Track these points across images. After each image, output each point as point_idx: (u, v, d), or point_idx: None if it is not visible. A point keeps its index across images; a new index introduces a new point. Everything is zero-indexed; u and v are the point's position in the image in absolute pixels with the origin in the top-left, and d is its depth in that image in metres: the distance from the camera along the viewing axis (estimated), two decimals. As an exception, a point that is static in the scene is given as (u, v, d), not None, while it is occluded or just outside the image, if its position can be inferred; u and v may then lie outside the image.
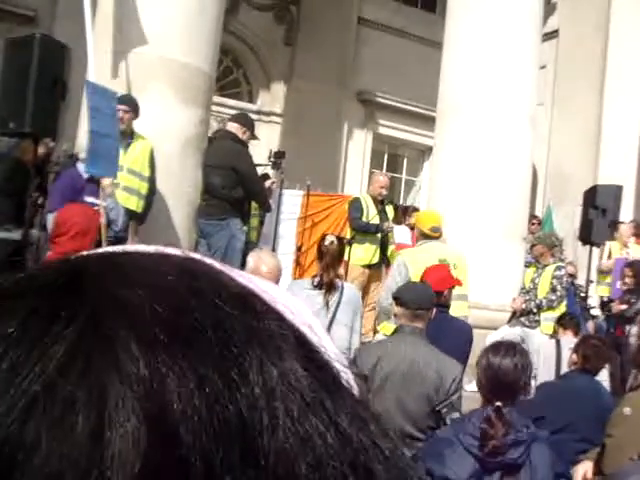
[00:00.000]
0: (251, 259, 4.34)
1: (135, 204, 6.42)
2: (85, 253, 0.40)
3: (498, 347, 3.47)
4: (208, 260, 0.39)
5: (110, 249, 0.40)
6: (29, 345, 0.31)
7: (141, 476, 0.29)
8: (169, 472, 0.30)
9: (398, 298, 4.41)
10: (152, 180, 6.57)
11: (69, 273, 0.36)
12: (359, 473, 0.33)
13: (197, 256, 0.40)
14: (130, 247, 0.40)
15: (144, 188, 6.49)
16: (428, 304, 4.37)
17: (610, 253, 9.90)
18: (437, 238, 6.66)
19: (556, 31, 13.94)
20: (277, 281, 4.14)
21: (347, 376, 0.37)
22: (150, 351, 0.32)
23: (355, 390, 0.37)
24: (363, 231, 8.26)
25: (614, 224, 9.54)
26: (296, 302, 0.40)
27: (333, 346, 0.39)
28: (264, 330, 0.35)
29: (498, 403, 3.23)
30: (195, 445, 0.30)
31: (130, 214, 6.30)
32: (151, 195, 6.59)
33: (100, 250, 0.41)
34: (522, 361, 3.39)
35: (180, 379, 0.31)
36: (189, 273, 0.37)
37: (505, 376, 3.31)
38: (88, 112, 5.67)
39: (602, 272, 9.95)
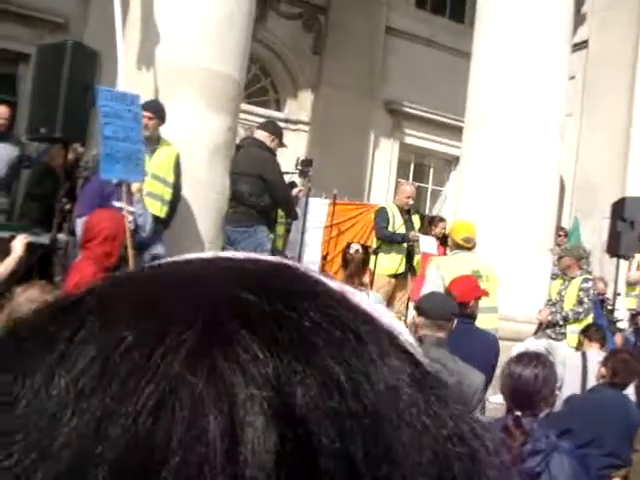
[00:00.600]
0: None
1: (159, 209, 6.44)
2: (183, 258, 0.40)
3: (522, 357, 3.47)
4: (292, 263, 0.40)
5: (202, 255, 0.40)
6: (148, 349, 0.31)
7: (276, 477, 0.29)
8: (302, 472, 0.30)
9: (419, 308, 4.39)
10: (177, 186, 6.58)
11: (176, 278, 0.36)
12: (467, 462, 0.34)
13: (283, 260, 0.40)
14: (220, 253, 0.41)
15: (168, 194, 6.50)
16: (448, 314, 4.35)
17: (639, 265, 9.80)
18: (470, 249, 6.65)
19: (586, 41, 13.85)
20: None
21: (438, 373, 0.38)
22: (272, 351, 0.32)
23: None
24: (389, 241, 8.24)
25: None
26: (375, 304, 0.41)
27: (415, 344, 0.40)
28: (372, 329, 0.36)
29: (518, 413, 3.22)
30: (326, 442, 0.30)
31: (155, 219, 6.33)
32: (175, 201, 6.60)
33: (193, 256, 0.41)
34: (545, 372, 3.37)
35: (305, 378, 0.31)
36: (291, 275, 0.38)
37: (525, 386, 3.29)
38: (100, 118, 5.67)
39: (630, 284, 9.86)
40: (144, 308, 0.34)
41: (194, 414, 0.30)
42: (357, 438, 0.31)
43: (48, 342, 0.33)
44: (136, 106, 5.80)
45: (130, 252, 5.23)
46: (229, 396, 0.30)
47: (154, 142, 6.43)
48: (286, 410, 0.30)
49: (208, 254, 0.40)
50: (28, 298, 3.28)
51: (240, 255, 0.40)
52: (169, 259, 0.41)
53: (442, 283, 6.15)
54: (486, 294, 5.83)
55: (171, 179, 6.52)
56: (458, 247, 6.66)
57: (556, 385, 3.74)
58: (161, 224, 6.51)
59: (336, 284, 0.39)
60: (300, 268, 0.39)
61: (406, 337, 0.39)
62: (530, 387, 3.30)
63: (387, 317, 0.39)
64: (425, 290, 6.15)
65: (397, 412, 0.32)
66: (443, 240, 9.03)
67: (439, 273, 6.36)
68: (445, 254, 7.79)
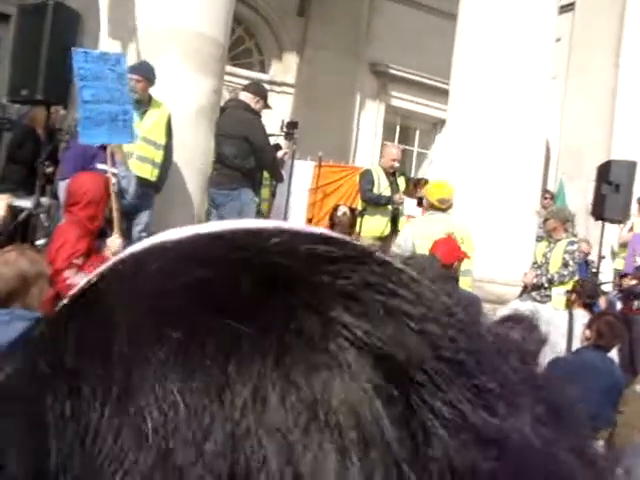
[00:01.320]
0: None
1: (149, 172, 6.37)
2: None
3: (507, 320, 3.47)
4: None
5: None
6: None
7: None
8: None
9: None
10: (169, 148, 6.51)
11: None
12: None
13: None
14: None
15: (159, 157, 6.44)
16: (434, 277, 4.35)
17: (632, 229, 9.84)
18: (445, 210, 6.63)
19: (572, 4, 13.78)
20: None
21: None
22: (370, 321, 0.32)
23: None
24: (374, 203, 8.23)
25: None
26: None
27: None
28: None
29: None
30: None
31: (144, 183, 6.26)
32: (167, 164, 6.54)
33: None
34: (531, 335, 3.39)
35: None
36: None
37: None
38: (77, 81, 5.50)
39: (620, 245, 9.91)
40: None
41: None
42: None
43: None
44: (120, 66, 5.63)
45: (115, 215, 5.19)
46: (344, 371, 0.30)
47: (144, 104, 6.35)
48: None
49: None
50: (5, 261, 3.25)
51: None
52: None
53: (412, 243, 6.12)
54: (467, 256, 5.84)
55: (162, 141, 6.45)
56: (433, 208, 6.64)
57: (541, 346, 3.76)
58: (152, 188, 6.45)
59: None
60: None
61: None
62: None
63: None
64: (395, 252, 6.13)
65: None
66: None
67: (410, 235, 6.33)
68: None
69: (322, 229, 0.37)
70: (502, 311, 7.42)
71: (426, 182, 10.59)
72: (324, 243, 0.34)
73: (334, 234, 0.37)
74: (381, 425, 0.29)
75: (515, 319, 3.48)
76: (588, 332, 5.05)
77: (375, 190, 8.27)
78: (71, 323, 0.33)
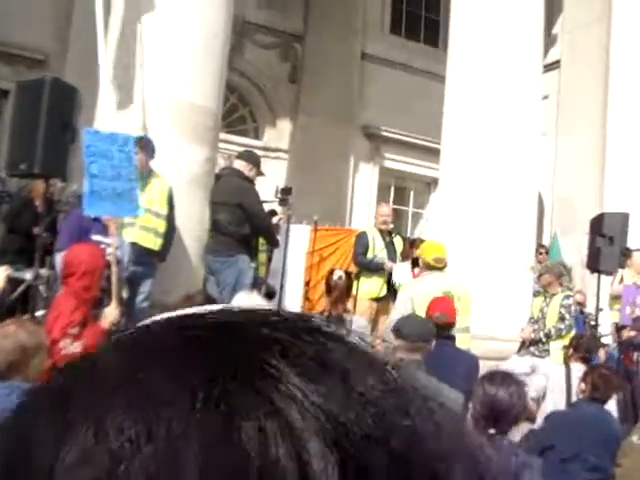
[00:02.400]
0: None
1: (152, 242, 6.52)
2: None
3: (493, 377, 3.48)
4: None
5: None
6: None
7: None
8: None
9: (398, 330, 4.42)
10: (171, 218, 6.69)
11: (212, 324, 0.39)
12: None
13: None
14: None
15: (162, 226, 6.59)
16: (428, 336, 4.39)
17: (622, 280, 9.85)
18: (441, 269, 6.68)
19: (558, 61, 14.06)
20: None
21: None
22: (316, 382, 0.36)
23: None
24: (365, 269, 8.27)
25: (629, 251, 9.52)
26: None
27: None
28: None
29: (491, 431, 3.25)
30: (379, 461, 0.34)
31: (148, 252, 6.40)
32: (171, 233, 6.70)
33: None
34: (517, 390, 3.42)
35: (349, 402, 0.35)
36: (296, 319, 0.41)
37: (501, 404, 3.32)
38: (85, 157, 5.73)
39: (613, 298, 9.90)
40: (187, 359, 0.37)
41: (263, 446, 0.33)
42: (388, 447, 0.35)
43: None
44: (127, 146, 5.88)
45: (114, 284, 5.26)
46: (289, 429, 0.33)
47: (145, 176, 6.50)
48: (340, 436, 0.34)
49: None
50: (5, 334, 3.30)
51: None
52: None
53: (411, 306, 6.17)
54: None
55: (164, 211, 6.61)
56: (429, 268, 6.69)
57: (527, 401, 3.79)
58: (157, 257, 6.58)
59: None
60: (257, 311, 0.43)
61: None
62: (505, 405, 3.33)
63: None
64: (394, 315, 6.19)
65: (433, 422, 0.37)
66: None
67: (409, 296, 6.39)
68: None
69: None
70: (501, 367, 7.43)
71: (422, 242, 10.67)
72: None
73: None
74: None
75: (501, 376, 3.50)
76: (583, 385, 5.06)
77: (370, 252, 8.32)
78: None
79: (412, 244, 10.80)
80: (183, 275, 6.94)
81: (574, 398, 5.77)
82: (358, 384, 0.36)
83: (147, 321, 0.42)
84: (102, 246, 5.39)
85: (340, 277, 5.68)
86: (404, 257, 8.93)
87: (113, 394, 0.35)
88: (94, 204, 5.65)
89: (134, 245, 6.32)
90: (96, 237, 5.65)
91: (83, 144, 5.74)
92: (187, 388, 0.35)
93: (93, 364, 0.39)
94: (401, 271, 8.50)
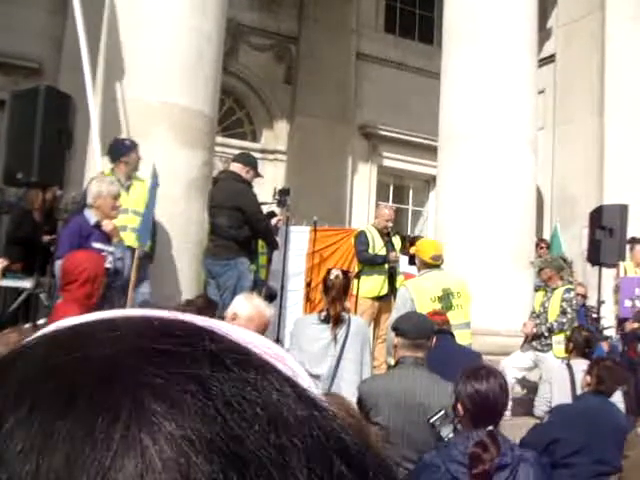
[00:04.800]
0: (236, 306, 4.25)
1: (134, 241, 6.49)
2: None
3: (477, 373, 3.43)
4: (189, 317, 0.42)
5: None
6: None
7: None
8: None
9: (397, 329, 4.40)
10: (146, 216, 6.67)
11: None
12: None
13: (180, 316, 0.42)
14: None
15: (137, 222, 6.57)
16: (428, 333, 4.38)
17: (625, 272, 9.85)
18: (438, 266, 6.69)
19: (553, 55, 14.06)
20: (259, 321, 4.09)
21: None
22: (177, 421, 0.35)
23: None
24: (370, 263, 8.28)
25: (634, 241, 9.53)
26: (265, 341, 0.43)
27: (306, 375, 0.43)
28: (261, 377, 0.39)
29: (490, 427, 3.24)
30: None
31: (145, 255, 6.40)
32: (152, 230, 6.66)
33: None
34: (503, 382, 3.41)
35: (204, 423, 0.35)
36: (201, 335, 0.40)
37: (489, 399, 3.30)
38: (151, 196, 6.23)
39: (616, 290, 9.90)
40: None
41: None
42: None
43: None
44: (155, 184, 6.27)
45: (130, 290, 5.29)
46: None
47: (133, 177, 6.52)
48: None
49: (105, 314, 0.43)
50: (6, 343, 3.29)
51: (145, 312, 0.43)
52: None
53: (411, 306, 6.17)
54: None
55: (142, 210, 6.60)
56: (427, 266, 6.69)
57: (510, 392, 3.80)
58: (147, 258, 6.55)
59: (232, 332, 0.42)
60: (191, 322, 0.42)
61: (298, 370, 0.42)
62: (493, 400, 3.31)
63: (278, 350, 0.43)
64: (395, 316, 6.17)
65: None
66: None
67: (408, 295, 6.39)
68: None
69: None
70: (505, 362, 7.44)
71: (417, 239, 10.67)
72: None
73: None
74: None
75: (485, 371, 3.49)
76: (588, 378, 5.05)
77: (370, 250, 8.33)
78: None
79: (412, 242, 10.80)
80: (184, 279, 6.94)
81: (579, 391, 5.77)
82: None
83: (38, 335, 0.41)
84: (103, 253, 5.38)
85: (337, 276, 5.65)
86: (403, 255, 8.93)
87: None
88: (146, 235, 6.19)
89: (129, 248, 6.32)
90: (97, 245, 5.64)
91: (153, 179, 6.22)
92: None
93: None
94: (406, 263, 8.52)
